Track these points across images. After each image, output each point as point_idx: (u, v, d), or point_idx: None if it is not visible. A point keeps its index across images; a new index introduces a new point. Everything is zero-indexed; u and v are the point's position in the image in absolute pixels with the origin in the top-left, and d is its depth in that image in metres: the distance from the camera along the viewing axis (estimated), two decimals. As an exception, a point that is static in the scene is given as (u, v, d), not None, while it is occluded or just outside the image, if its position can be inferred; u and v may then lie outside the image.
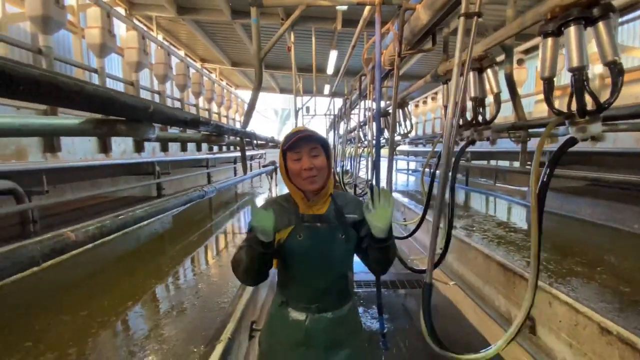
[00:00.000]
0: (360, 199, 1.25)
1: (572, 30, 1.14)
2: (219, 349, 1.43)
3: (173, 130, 4.51)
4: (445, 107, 2.19)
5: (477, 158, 7.03)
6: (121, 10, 6.24)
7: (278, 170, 1.21)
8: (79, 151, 3.36)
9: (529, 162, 2.28)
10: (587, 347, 1.63)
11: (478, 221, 3.79)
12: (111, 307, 2.04)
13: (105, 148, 3.75)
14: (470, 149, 6.50)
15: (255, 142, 2.96)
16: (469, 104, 1.94)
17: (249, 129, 3.87)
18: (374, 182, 3.18)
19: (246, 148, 3.15)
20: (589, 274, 2.11)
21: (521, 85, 5.16)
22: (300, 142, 1.04)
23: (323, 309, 1.09)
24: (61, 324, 1.85)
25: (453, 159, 2.13)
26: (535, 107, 4.86)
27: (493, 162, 6.98)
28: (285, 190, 1.15)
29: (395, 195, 6.11)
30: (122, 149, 4.12)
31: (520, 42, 4.77)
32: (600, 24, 1.10)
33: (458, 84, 1.36)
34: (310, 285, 1.09)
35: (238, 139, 3.01)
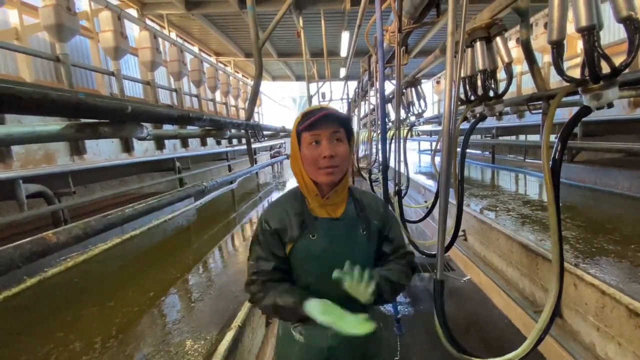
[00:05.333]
0: (380, 198, 1.08)
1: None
2: (229, 335, 1.48)
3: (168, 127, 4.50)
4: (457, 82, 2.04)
5: (505, 134, 6.64)
6: (134, 11, 6.41)
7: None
8: (103, 152, 3.54)
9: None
10: (615, 330, 1.53)
11: (502, 200, 3.61)
12: (135, 298, 2.18)
13: (128, 148, 3.94)
14: (496, 124, 6.21)
15: (262, 133, 2.94)
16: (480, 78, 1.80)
17: (254, 120, 3.87)
18: (392, 165, 3.07)
19: (253, 140, 3.15)
20: (621, 253, 1.95)
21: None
22: (321, 122, 0.83)
23: None
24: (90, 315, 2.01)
25: (461, 138, 2.02)
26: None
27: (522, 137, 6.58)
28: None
29: (417, 177, 5.96)
30: (144, 147, 4.31)
31: (537, 2, 4.35)
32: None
33: (461, 56, 1.26)
34: (330, 293, 0.83)
35: (243, 131, 3.02)
